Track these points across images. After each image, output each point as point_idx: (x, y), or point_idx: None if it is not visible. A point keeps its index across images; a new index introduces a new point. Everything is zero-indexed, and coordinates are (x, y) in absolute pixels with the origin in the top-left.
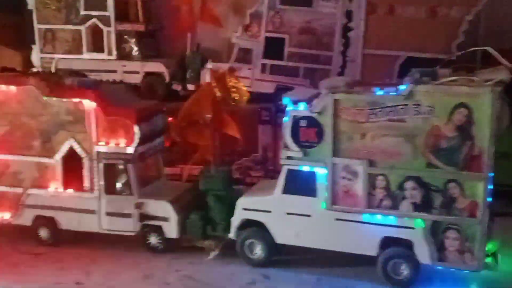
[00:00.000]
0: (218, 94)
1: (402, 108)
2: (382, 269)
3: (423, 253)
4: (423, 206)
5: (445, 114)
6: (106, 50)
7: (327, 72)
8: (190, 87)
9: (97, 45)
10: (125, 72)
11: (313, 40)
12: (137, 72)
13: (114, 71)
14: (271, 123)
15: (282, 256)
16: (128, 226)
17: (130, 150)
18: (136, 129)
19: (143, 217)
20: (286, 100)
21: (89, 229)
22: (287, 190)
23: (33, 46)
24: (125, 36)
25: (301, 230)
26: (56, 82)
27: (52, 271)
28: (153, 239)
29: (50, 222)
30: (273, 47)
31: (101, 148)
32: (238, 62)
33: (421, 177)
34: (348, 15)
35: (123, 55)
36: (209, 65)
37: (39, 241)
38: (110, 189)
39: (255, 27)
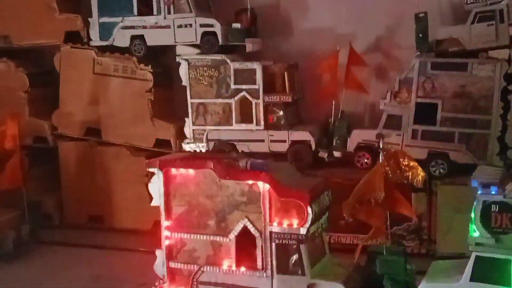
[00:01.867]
0: (390, 174)
1: None
2: None
3: None
4: None
5: None
6: (254, 120)
7: (485, 136)
8: (337, 154)
9: (245, 116)
10: (272, 141)
11: (468, 104)
12: (284, 141)
13: (262, 141)
14: (425, 191)
15: None
16: None
17: (303, 230)
18: (309, 210)
19: None
20: (475, 183)
21: None
22: (476, 278)
23: (185, 119)
24: (273, 107)
25: None
26: (230, 164)
27: None
28: None
29: None
30: (425, 112)
31: (274, 228)
32: (386, 128)
33: None
34: (507, 77)
35: (271, 125)
36: (381, 144)
37: None
38: (282, 268)
39: (404, 93)
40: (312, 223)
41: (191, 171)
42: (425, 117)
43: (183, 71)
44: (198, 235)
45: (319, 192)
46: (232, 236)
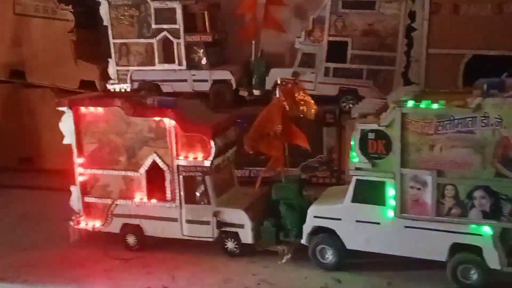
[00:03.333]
0: (287, 107)
1: (470, 120)
2: (451, 274)
3: (493, 258)
4: (492, 213)
5: None
6: (176, 60)
7: (391, 72)
8: (256, 92)
9: (168, 56)
10: (195, 80)
11: (376, 42)
12: (206, 80)
13: (185, 80)
14: (335, 125)
15: (353, 260)
16: (207, 233)
17: (207, 163)
18: (212, 143)
19: (221, 224)
20: (355, 113)
21: (172, 235)
22: (356, 199)
23: (109, 60)
24: (194, 47)
25: (371, 237)
26: (138, 102)
27: (141, 275)
28: (230, 245)
29: (136, 230)
30: (336, 51)
31: (181, 161)
32: (302, 66)
33: (490, 186)
34: (411, 15)
35: (193, 65)
36: (278, 80)
37: (126, 247)
38: (189, 199)
39: (317, 32)
40: (216, 156)
41: (100, 109)
42: (337, 55)
43: (103, 10)
44: (110, 171)
45: (224, 127)
46: (142, 170)
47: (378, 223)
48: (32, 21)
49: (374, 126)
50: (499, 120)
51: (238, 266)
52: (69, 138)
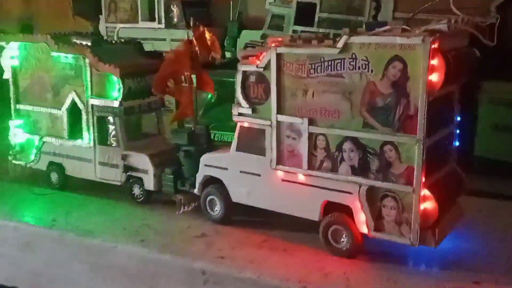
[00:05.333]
0: (198, 52)
1: (339, 62)
2: (323, 236)
3: (361, 221)
4: (361, 169)
5: (380, 69)
6: (157, 19)
7: None
8: (228, 54)
9: (151, 15)
10: (172, 40)
11: (343, 5)
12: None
13: (164, 39)
14: None
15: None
16: (116, 176)
17: (116, 104)
18: (120, 83)
19: (127, 168)
20: (238, 54)
21: (87, 176)
22: (240, 147)
23: (100, 17)
24: (172, 6)
25: (252, 190)
26: (64, 40)
27: (43, 210)
28: (136, 190)
29: (59, 168)
30: (305, 13)
31: (95, 101)
32: (271, 29)
33: (358, 138)
34: None
35: (171, 24)
36: (191, 22)
37: (50, 185)
38: (102, 140)
39: None
40: (128, 98)
41: (30, 45)
42: (305, 17)
43: None
44: (40, 108)
45: (143, 71)
46: (64, 109)
47: (259, 175)
48: None
49: (254, 68)
50: (366, 62)
51: (134, 211)
52: (8, 73)
